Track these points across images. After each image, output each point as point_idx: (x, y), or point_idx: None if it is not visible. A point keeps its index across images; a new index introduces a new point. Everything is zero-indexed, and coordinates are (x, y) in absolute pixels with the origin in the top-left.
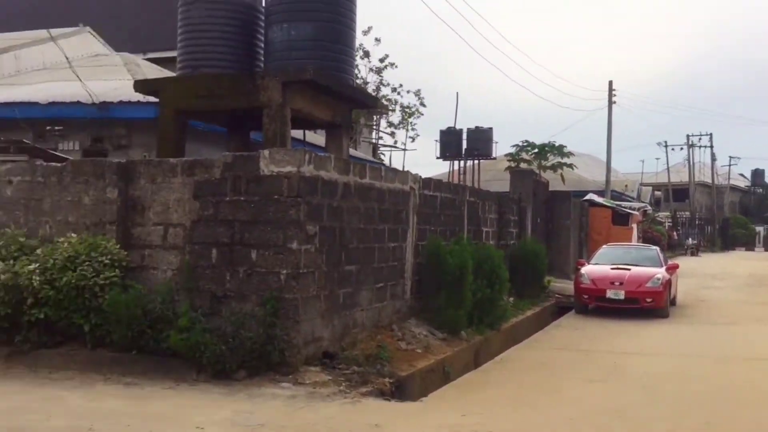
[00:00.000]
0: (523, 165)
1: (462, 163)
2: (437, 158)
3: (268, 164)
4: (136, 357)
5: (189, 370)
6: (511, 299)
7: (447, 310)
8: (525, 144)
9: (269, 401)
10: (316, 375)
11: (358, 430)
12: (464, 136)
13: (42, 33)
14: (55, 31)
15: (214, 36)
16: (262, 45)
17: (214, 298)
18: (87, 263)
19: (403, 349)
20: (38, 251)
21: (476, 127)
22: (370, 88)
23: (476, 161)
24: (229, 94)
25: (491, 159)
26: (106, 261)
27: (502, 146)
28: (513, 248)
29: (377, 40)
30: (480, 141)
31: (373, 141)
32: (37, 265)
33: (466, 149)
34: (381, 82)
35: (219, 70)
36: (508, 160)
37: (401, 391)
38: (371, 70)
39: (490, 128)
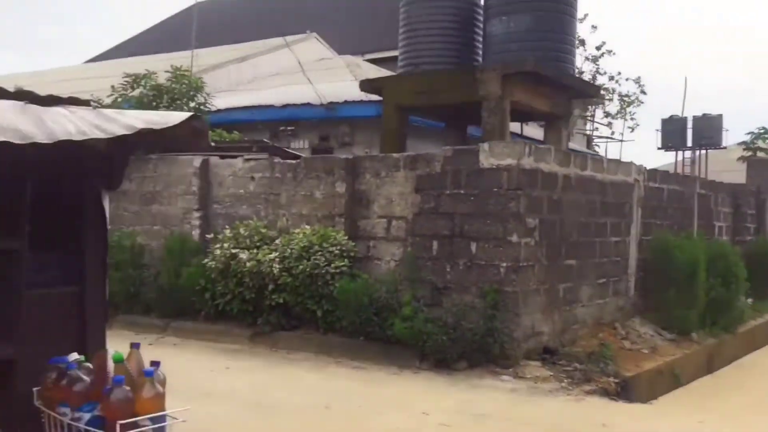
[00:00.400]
0: (760, 154)
1: (687, 153)
2: (658, 149)
3: (487, 157)
4: (363, 343)
5: (412, 357)
6: (750, 300)
7: (676, 310)
8: (762, 131)
9: (491, 393)
10: (536, 370)
11: (584, 428)
12: (689, 124)
13: (274, 41)
14: (286, 39)
15: (434, 33)
16: (480, 39)
17: (435, 289)
18: (319, 253)
19: (627, 348)
20: (277, 241)
21: (703, 115)
22: (586, 78)
23: (703, 151)
24: (449, 89)
25: (721, 148)
26: (336, 251)
27: (734, 134)
28: (751, 245)
29: (594, 27)
30: (708, 129)
31: (588, 132)
32: (277, 254)
33: (692, 138)
34: (597, 71)
35: (439, 67)
36: (743, 149)
37: (626, 392)
38: (587, 59)
39: (720, 115)
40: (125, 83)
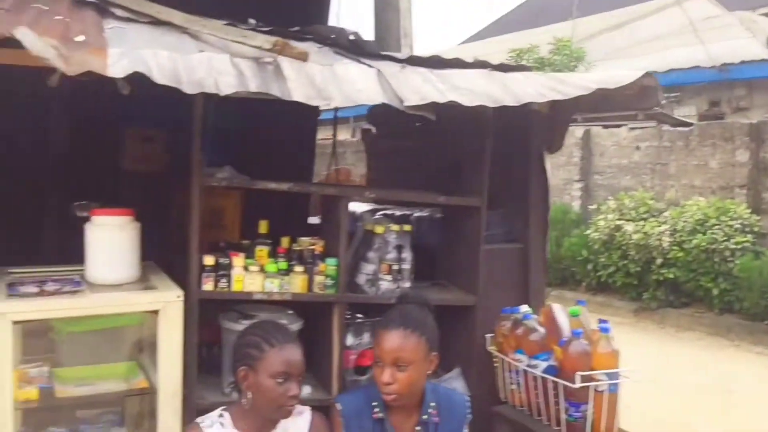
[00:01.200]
0: None
1: None
2: None
3: None
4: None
5: None
6: None
7: None
8: None
9: None
10: None
11: None
12: None
13: (656, 3)
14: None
15: None
16: None
17: None
18: (717, 227)
19: None
20: (666, 213)
21: None
22: None
23: None
24: None
25: None
26: (737, 225)
27: None
28: None
29: None
30: None
31: None
32: (667, 226)
33: None
34: None
35: None
36: None
37: None
38: None
39: None
40: (510, 58)
